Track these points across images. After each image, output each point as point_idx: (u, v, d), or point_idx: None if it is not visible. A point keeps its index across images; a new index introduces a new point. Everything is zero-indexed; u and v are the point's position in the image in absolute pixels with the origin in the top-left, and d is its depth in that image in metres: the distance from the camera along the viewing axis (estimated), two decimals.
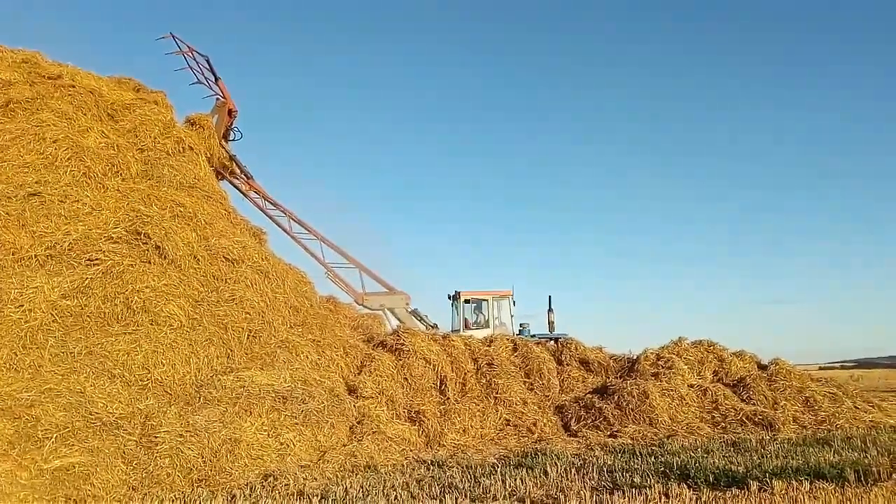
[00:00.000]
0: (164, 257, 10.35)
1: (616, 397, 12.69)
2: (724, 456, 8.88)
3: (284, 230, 18.28)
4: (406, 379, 11.67)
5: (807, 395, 13.76)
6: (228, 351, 10.03)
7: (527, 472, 7.98)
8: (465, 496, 6.87)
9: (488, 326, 19.56)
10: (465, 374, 12.50)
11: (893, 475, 7.20)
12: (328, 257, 18.57)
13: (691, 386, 13.74)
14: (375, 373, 11.39)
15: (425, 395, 11.55)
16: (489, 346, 13.80)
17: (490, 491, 7.00)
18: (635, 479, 7.38)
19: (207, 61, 16.27)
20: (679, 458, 8.69)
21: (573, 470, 8.07)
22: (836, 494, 6.36)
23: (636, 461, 8.62)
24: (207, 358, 9.73)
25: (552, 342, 17.82)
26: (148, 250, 10.33)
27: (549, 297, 20.33)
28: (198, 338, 9.78)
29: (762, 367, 15.52)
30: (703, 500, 6.35)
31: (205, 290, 10.42)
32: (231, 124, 16.92)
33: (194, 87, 16.64)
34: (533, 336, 19.59)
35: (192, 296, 10.21)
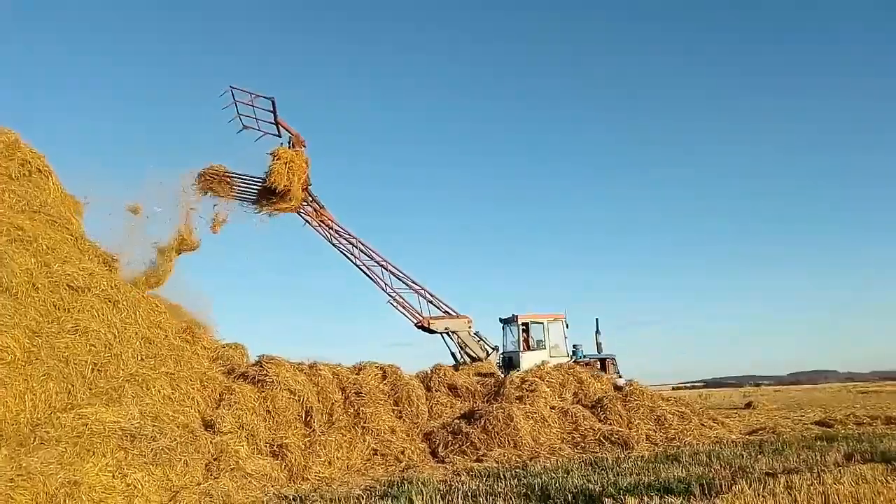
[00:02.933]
0: None
1: (483, 421, 12.86)
2: (582, 475, 9.16)
3: (349, 259, 19.19)
4: (269, 411, 11.20)
5: (658, 413, 14.59)
6: (70, 386, 9.20)
7: (392, 501, 7.85)
8: None
9: (544, 348, 20.74)
10: (333, 404, 12.21)
11: (734, 487, 7.71)
12: (393, 283, 19.48)
13: (553, 408, 14.21)
14: (235, 406, 10.85)
15: (289, 427, 11.12)
16: (358, 374, 13.58)
17: None
18: (498, 503, 7.45)
19: (272, 104, 16.67)
20: (541, 479, 8.87)
21: (438, 496, 8.02)
22: None
23: (500, 484, 8.72)
24: (45, 394, 8.87)
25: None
26: None
27: (597, 319, 21.69)
28: (34, 372, 8.90)
29: (618, 388, 16.33)
30: None
31: (44, 320, 9.52)
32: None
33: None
34: (584, 357, 21.09)
35: (30, 326, 9.29)
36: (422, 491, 8.36)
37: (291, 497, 8.76)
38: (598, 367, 21.03)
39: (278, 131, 17.20)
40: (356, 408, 12.39)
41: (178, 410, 9.97)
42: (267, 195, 16.92)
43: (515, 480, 8.98)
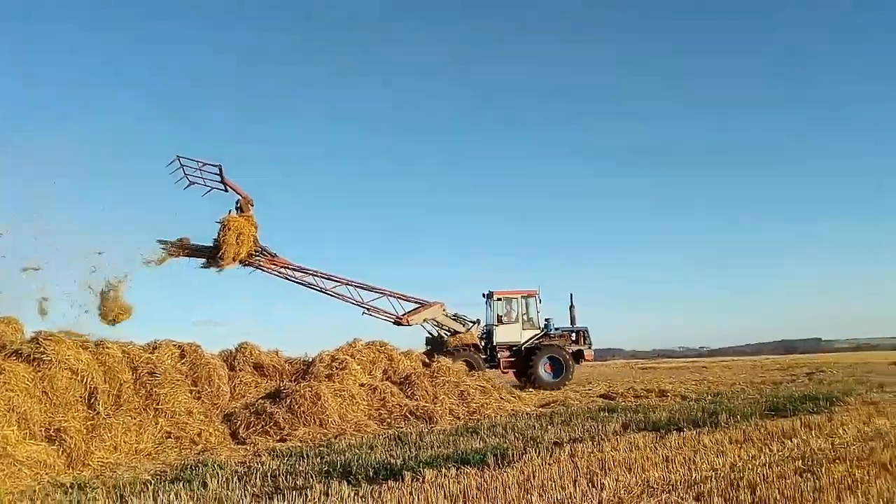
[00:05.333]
0: None
1: (288, 401, 12.56)
2: (386, 450, 9.27)
3: (316, 289, 20.40)
4: (46, 393, 10.05)
5: (462, 389, 15.18)
6: None
7: (183, 486, 7.39)
8: None
9: (518, 322, 22.91)
10: (121, 384, 11.18)
11: (524, 456, 8.19)
12: (362, 296, 20.97)
13: (362, 385, 14.23)
14: (4, 387, 9.62)
15: (69, 410, 10.06)
16: (152, 353, 12.62)
17: None
18: (298, 482, 7.30)
19: (220, 170, 17.91)
20: (344, 456, 8.84)
21: (235, 479, 7.69)
22: (477, 477, 6.99)
23: (302, 463, 8.56)
24: None
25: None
26: None
27: (571, 294, 23.79)
28: None
29: (426, 365, 16.76)
30: (360, 494, 6.49)
31: None
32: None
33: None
34: (557, 329, 23.19)
35: None
36: (217, 473, 7.98)
37: (69, 485, 7.97)
38: (573, 338, 23.35)
39: (225, 188, 18.21)
40: (148, 389, 11.48)
41: None
42: (217, 258, 17.94)
43: (318, 459, 8.86)
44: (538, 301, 23.40)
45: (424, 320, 22.02)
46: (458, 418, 13.55)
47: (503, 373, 23.26)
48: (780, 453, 7.94)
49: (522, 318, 23.16)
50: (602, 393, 18.86)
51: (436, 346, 22.15)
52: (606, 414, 12.76)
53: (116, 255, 16.30)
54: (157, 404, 11.24)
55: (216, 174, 18.00)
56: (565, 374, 22.04)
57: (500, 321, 23.12)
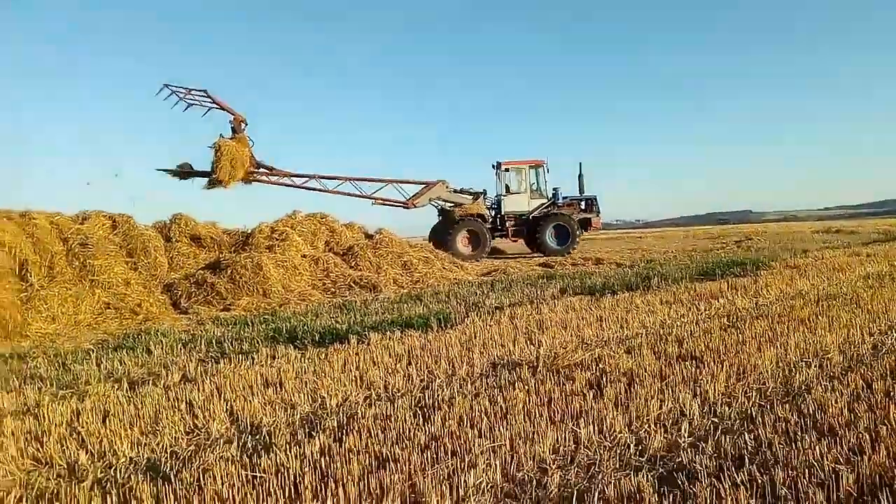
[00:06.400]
0: None
1: (229, 271, 12.49)
2: (331, 317, 9.39)
3: (321, 191, 20.83)
4: None
5: (405, 259, 15.35)
6: None
7: (127, 353, 7.38)
8: (52, 385, 6.08)
9: (526, 191, 23.57)
10: (53, 256, 10.89)
11: (466, 319, 8.43)
12: (365, 189, 21.43)
13: (304, 256, 14.21)
14: None
15: (1, 282, 9.81)
16: (82, 223, 12.21)
17: (81, 377, 6.31)
18: (244, 347, 7.37)
19: (206, 94, 18.45)
20: (289, 323, 8.92)
21: (180, 346, 7.72)
22: (421, 338, 7.19)
23: (247, 330, 8.62)
24: None
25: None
26: None
27: (580, 164, 24.54)
28: None
29: (369, 237, 16.83)
30: (307, 356, 6.61)
31: None
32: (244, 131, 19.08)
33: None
34: (565, 198, 23.81)
35: None
36: (161, 341, 7.98)
37: (8, 355, 7.87)
38: (581, 207, 23.93)
39: (220, 107, 18.66)
40: (82, 260, 11.20)
41: None
42: (217, 181, 18.08)
43: (263, 326, 8.92)
44: (546, 171, 23.92)
45: (430, 200, 22.57)
46: (402, 287, 13.78)
47: (512, 241, 24.47)
48: (707, 312, 8.37)
49: (530, 188, 23.72)
50: (541, 262, 19.40)
51: (446, 219, 22.81)
52: (545, 281, 13.15)
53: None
54: (93, 276, 11.01)
55: (205, 97, 18.44)
56: (571, 242, 22.94)
57: (508, 191, 23.63)
